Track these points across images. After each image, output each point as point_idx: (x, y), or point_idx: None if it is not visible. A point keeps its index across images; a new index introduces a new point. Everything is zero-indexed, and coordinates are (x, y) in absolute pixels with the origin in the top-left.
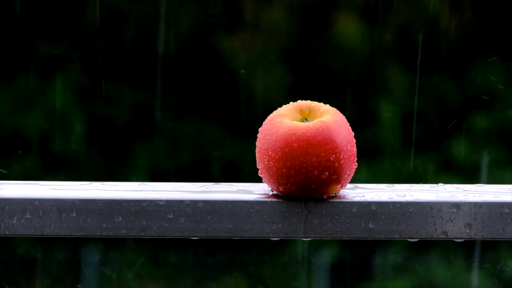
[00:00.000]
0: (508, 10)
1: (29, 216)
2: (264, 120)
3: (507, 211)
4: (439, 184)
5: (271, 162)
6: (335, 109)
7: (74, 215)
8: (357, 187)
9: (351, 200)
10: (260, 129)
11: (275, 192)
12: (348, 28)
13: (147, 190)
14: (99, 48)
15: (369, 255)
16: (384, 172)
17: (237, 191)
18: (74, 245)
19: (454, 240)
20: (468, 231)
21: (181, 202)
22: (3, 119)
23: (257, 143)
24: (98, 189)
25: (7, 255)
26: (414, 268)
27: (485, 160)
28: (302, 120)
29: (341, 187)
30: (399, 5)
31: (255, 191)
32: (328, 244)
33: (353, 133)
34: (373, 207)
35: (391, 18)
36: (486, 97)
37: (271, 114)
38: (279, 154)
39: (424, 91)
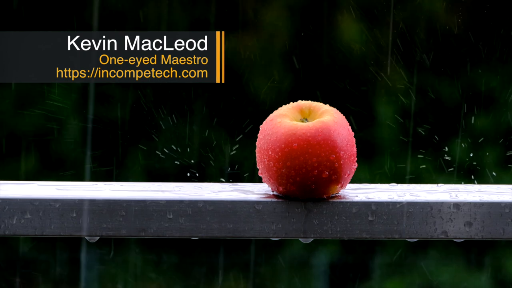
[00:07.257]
0: (507, 10)
1: (29, 216)
2: (264, 121)
3: (507, 211)
4: (439, 184)
5: (271, 162)
6: (335, 109)
7: (74, 215)
8: (357, 187)
9: (351, 200)
10: (260, 129)
11: (275, 192)
12: (348, 28)
13: (147, 190)
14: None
15: (368, 255)
16: (384, 172)
17: (237, 191)
18: (74, 245)
19: (454, 240)
20: (468, 231)
21: (181, 202)
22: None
23: (257, 143)
24: (98, 189)
25: (7, 255)
26: (414, 268)
27: (485, 160)
28: (302, 120)
29: (341, 187)
30: (399, 5)
31: (255, 191)
32: (327, 244)
33: (353, 133)
34: (373, 207)
35: (391, 18)
36: (486, 97)
37: (271, 114)
38: (279, 154)
39: (424, 91)
